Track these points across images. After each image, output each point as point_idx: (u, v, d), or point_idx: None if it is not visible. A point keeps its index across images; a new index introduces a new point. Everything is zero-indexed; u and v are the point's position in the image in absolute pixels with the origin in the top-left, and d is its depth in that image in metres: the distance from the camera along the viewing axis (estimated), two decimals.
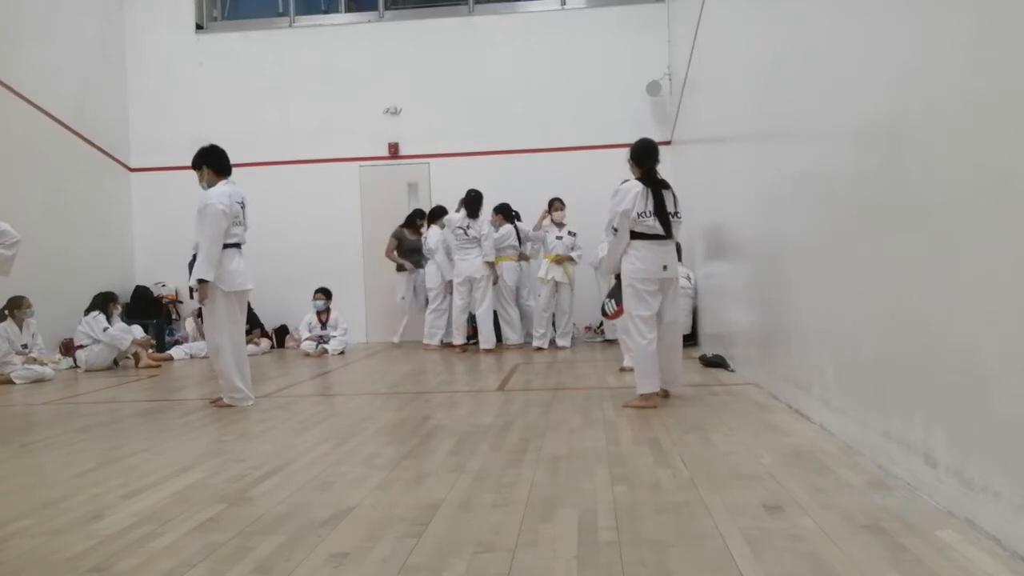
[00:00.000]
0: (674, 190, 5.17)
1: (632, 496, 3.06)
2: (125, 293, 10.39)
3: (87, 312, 8.74)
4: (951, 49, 2.60)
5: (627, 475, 3.38)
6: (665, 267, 5.03)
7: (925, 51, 2.79)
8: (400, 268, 9.99)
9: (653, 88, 10.24)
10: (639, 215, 4.98)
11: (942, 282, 2.69)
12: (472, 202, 9.13)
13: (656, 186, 5.02)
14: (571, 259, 9.19)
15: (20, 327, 8.09)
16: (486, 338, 9.12)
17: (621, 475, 3.38)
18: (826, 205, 3.92)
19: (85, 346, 8.59)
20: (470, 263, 9.12)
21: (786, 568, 2.28)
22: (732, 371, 6.49)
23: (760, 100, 5.28)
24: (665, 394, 5.21)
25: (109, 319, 8.72)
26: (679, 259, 5.31)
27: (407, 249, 10.06)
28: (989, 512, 2.41)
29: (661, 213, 4.98)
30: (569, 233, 9.25)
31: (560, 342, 9.28)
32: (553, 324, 9.36)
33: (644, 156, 5.10)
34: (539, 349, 9.08)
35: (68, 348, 9.07)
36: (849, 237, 3.60)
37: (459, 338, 9.33)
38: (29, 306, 8.12)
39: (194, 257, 5.63)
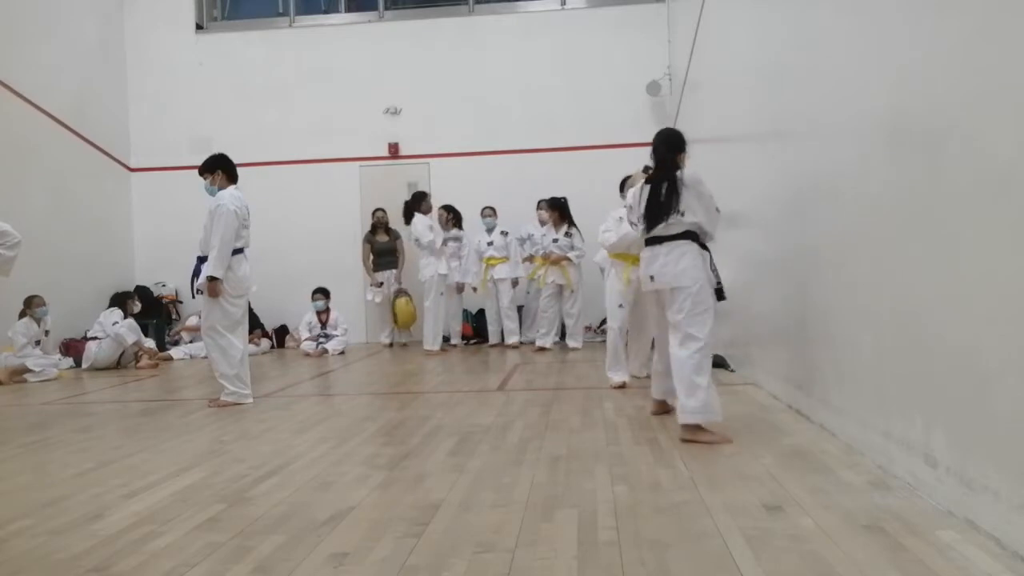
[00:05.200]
0: (688, 181, 4.18)
1: (632, 496, 3.06)
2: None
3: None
4: (953, 48, 2.60)
5: (627, 475, 3.38)
6: (652, 277, 4.26)
7: (927, 50, 2.79)
8: (376, 283, 9.97)
9: (653, 88, 10.24)
10: (631, 222, 4.62)
11: (942, 282, 2.69)
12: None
13: (656, 181, 4.28)
14: (568, 259, 9.12)
15: (38, 324, 8.28)
16: (430, 338, 9.08)
17: (621, 475, 3.38)
18: (826, 205, 3.92)
19: (98, 339, 8.78)
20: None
21: (786, 568, 2.28)
22: (732, 371, 6.49)
23: (761, 100, 5.28)
24: (665, 409, 4.70)
25: (125, 316, 8.95)
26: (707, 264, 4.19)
27: (378, 251, 10.01)
28: (989, 512, 2.41)
29: (651, 212, 4.24)
30: (565, 234, 9.18)
31: (570, 343, 9.26)
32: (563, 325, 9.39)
33: (655, 147, 4.41)
34: (541, 349, 9.10)
35: (68, 348, 9.09)
36: (849, 237, 3.60)
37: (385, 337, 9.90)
38: (41, 304, 8.29)
39: (199, 260, 5.75)
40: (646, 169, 4.67)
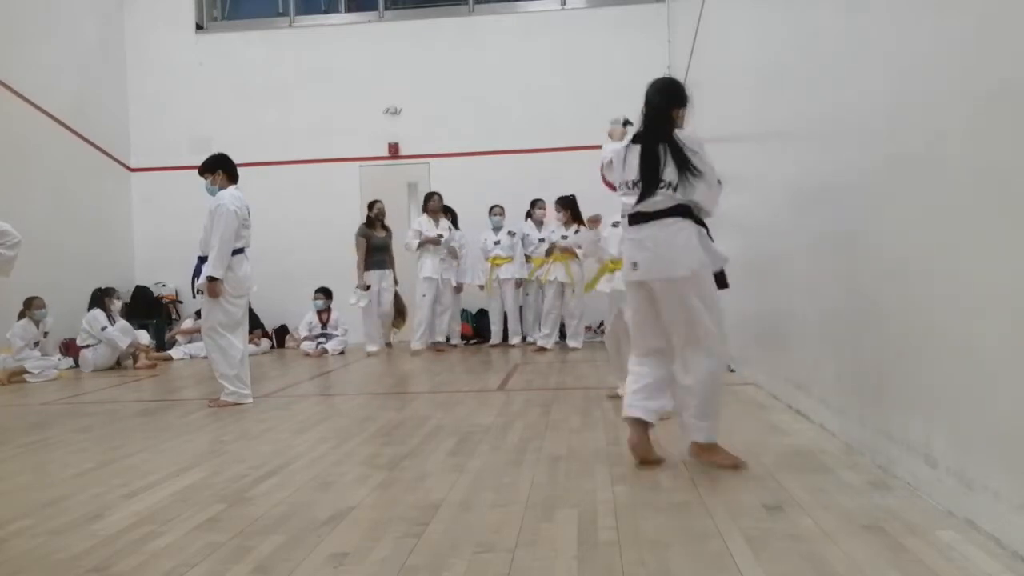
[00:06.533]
0: (688, 145, 3.46)
1: (632, 496, 3.06)
2: (125, 293, 10.37)
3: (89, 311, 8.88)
4: (953, 48, 2.60)
5: (627, 475, 3.38)
6: (635, 265, 3.47)
7: (927, 50, 2.79)
8: (365, 287, 9.25)
9: None
10: (619, 186, 3.65)
11: (942, 282, 2.69)
12: None
13: (648, 141, 3.52)
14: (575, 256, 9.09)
15: (36, 326, 8.24)
16: (415, 338, 9.18)
17: (621, 475, 3.38)
18: (826, 205, 3.92)
19: (90, 346, 8.69)
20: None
21: (786, 568, 2.28)
22: (732, 371, 6.49)
23: (761, 100, 5.28)
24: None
25: (109, 315, 8.79)
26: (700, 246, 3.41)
27: (373, 247, 9.41)
28: (989, 512, 2.41)
29: (645, 178, 3.43)
30: (575, 232, 9.16)
31: (571, 343, 9.28)
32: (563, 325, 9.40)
33: (647, 98, 3.71)
34: (541, 349, 9.09)
35: (68, 348, 9.08)
36: (849, 237, 3.60)
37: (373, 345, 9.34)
38: (41, 307, 8.24)
39: (199, 260, 5.75)
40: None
